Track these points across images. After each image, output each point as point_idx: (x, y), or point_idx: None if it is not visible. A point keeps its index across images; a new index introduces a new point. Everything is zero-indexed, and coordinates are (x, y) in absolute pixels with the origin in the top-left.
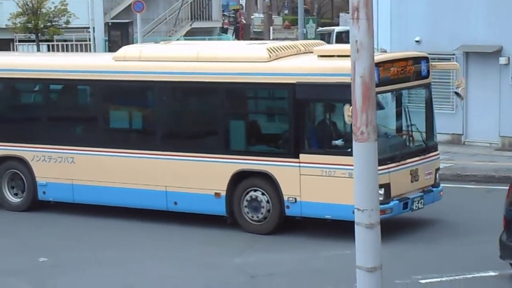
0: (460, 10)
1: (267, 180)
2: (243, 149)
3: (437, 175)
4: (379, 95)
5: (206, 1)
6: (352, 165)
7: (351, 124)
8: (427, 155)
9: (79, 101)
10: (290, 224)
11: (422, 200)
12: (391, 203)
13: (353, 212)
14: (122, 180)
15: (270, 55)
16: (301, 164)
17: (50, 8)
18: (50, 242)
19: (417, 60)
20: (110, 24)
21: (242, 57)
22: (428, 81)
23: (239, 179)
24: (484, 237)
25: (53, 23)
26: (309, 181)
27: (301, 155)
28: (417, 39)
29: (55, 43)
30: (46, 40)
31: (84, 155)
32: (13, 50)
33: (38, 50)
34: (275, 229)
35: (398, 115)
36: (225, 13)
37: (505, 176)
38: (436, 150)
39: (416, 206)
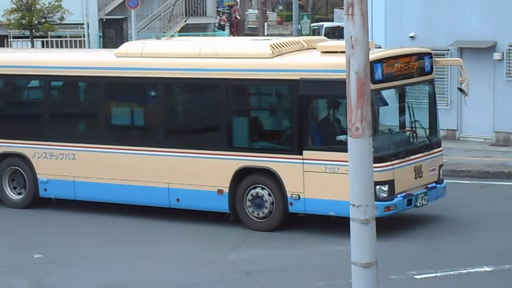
0: (454, 6)
1: (270, 177)
2: (246, 145)
3: (441, 171)
4: (382, 91)
5: None
6: None
7: None
8: (431, 152)
9: (80, 97)
10: (286, 220)
11: (426, 197)
12: (395, 200)
13: None
14: (124, 177)
15: (273, 51)
16: (305, 161)
17: (44, 4)
18: (48, 239)
19: (420, 56)
20: (104, 20)
21: (245, 53)
22: (432, 77)
23: (242, 176)
24: (479, 232)
25: (47, 19)
26: (312, 177)
27: (304, 152)
28: (411, 34)
29: (49, 39)
30: (40, 37)
31: (86, 152)
32: (7, 46)
33: (33, 46)
34: (278, 226)
35: (402, 111)
36: (219, 9)
37: (500, 172)
38: (439, 146)
39: (420, 203)
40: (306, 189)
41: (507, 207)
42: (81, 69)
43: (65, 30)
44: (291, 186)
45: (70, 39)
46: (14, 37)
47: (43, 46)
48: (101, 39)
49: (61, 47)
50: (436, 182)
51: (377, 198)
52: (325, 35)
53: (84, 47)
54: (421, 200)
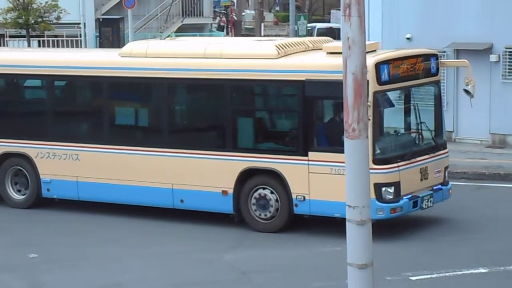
0: (451, 8)
1: (276, 178)
2: (251, 146)
3: (446, 173)
4: (388, 93)
5: None
6: None
7: None
8: (437, 153)
9: (84, 97)
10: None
11: (431, 199)
12: (401, 202)
13: None
14: (128, 178)
15: (279, 52)
16: (310, 162)
17: (41, 3)
18: (45, 239)
19: (426, 57)
20: (101, 20)
21: (250, 54)
22: (438, 78)
23: (247, 176)
24: (475, 234)
25: (44, 19)
26: (318, 179)
27: (310, 153)
28: (408, 36)
29: (45, 38)
30: (36, 36)
31: (89, 152)
32: (3, 45)
33: (29, 45)
34: (283, 227)
35: (408, 113)
36: (216, 10)
37: (495, 173)
38: (445, 148)
39: (425, 205)
40: (312, 191)
41: (503, 209)
42: (85, 69)
43: (61, 29)
44: (296, 187)
45: (67, 38)
46: (10, 37)
47: (39, 46)
48: (98, 38)
49: (58, 46)
50: (442, 184)
51: (383, 200)
52: (317, 36)
53: (81, 47)
54: (427, 202)
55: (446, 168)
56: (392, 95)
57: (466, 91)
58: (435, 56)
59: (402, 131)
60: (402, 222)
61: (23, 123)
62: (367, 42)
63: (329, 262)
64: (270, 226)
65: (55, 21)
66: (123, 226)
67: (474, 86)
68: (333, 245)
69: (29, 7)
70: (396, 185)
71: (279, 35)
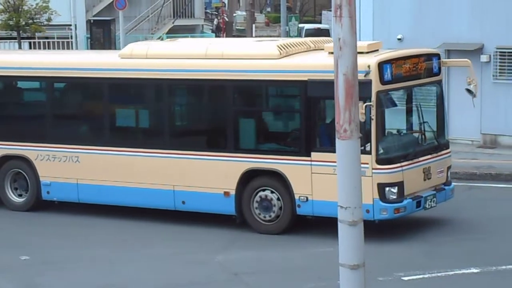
0: (442, 8)
1: (278, 179)
2: (253, 147)
3: (449, 173)
4: (391, 92)
5: None
6: (366, 163)
7: (364, 122)
8: (439, 153)
9: (84, 99)
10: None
11: (434, 199)
12: (405, 202)
13: (367, 212)
14: (129, 180)
15: (280, 52)
16: (313, 163)
17: (32, 5)
18: (38, 240)
19: (429, 57)
20: (92, 21)
21: (252, 54)
22: (440, 78)
23: (249, 178)
24: (467, 234)
25: (35, 21)
26: (321, 179)
27: (312, 153)
28: (399, 37)
29: (36, 40)
30: (27, 38)
31: (90, 154)
32: None
33: (20, 47)
34: (286, 228)
35: (410, 112)
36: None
37: (487, 173)
38: (447, 148)
39: (429, 205)
40: (314, 191)
41: (494, 209)
42: (85, 70)
43: (52, 31)
44: (299, 188)
45: (58, 40)
46: (1, 38)
47: (30, 48)
48: (89, 40)
49: (49, 48)
50: (445, 184)
51: (387, 200)
52: (305, 37)
53: (72, 49)
54: (430, 202)
55: (448, 168)
56: (394, 95)
57: (469, 91)
58: (437, 56)
59: (405, 131)
60: (394, 223)
61: (23, 125)
62: (369, 42)
63: (321, 263)
64: (272, 227)
65: (46, 22)
66: (114, 228)
67: (476, 85)
68: (325, 245)
69: (20, 9)
70: (400, 185)
71: (270, 36)
